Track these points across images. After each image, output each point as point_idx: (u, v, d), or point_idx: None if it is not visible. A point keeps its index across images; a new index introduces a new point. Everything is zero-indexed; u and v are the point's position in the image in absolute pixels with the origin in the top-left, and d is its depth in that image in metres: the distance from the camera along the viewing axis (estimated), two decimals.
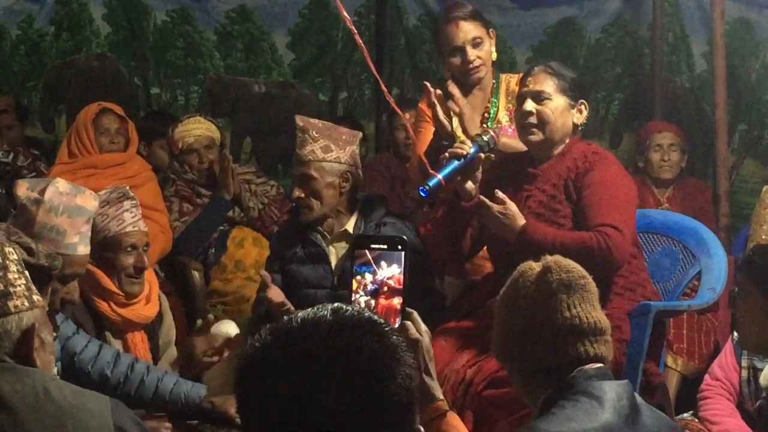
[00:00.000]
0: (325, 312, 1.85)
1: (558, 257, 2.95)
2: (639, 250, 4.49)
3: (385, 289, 2.57)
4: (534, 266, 2.91)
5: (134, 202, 4.32)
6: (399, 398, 1.79)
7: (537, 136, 4.33)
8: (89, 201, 3.65)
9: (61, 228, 3.52)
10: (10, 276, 2.46)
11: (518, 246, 4.17)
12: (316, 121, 4.84)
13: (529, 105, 4.32)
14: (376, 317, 1.88)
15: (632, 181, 4.44)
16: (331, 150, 4.69)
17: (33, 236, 3.31)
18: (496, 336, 2.95)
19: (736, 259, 5.87)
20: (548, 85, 4.32)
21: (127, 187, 4.36)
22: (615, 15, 7.80)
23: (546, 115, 4.31)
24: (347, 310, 1.86)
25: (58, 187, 3.57)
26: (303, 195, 4.69)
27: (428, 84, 4.65)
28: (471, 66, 4.83)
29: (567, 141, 4.37)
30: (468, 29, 4.83)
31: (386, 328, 1.85)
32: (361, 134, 4.96)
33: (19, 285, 2.48)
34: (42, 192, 3.53)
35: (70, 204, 3.55)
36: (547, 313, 2.82)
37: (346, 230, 4.75)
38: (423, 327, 2.63)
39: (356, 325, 1.83)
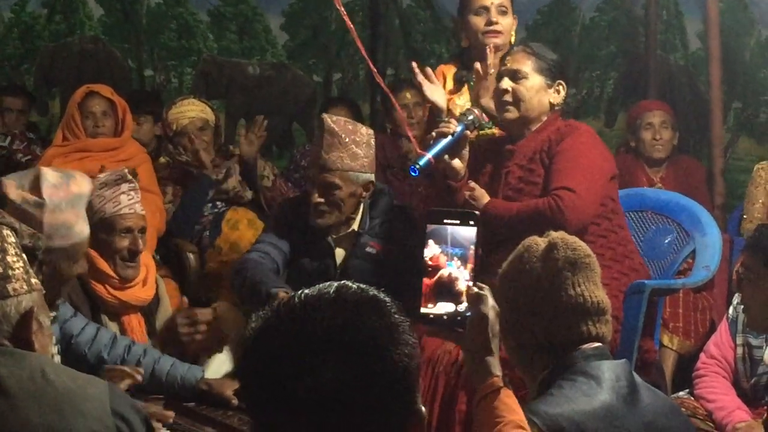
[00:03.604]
0: (330, 289, 1.85)
1: (563, 234, 2.96)
2: (624, 221, 4.50)
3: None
4: (539, 242, 2.92)
5: (132, 185, 4.30)
6: (396, 377, 1.80)
7: (512, 114, 4.37)
8: (82, 184, 3.56)
9: (69, 222, 3.39)
10: (9, 259, 2.45)
11: (484, 224, 4.22)
12: (342, 120, 4.68)
13: (506, 83, 4.36)
14: (381, 295, 1.88)
15: (605, 149, 4.45)
16: (357, 158, 4.58)
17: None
18: (502, 310, 2.95)
19: (731, 238, 5.89)
20: (526, 64, 4.36)
21: (126, 170, 4.35)
22: None
23: (521, 93, 4.34)
24: (351, 288, 1.86)
25: (50, 180, 3.39)
26: (322, 201, 4.58)
27: (415, 64, 4.64)
28: (492, 28, 4.77)
29: (544, 119, 4.38)
30: None
31: (388, 306, 1.85)
32: (372, 132, 4.79)
33: (18, 268, 2.47)
34: (38, 192, 3.38)
35: (69, 195, 3.42)
36: (552, 290, 2.83)
37: (352, 230, 4.70)
38: (491, 303, 2.61)
39: (357, 302, 1.83)
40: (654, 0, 7.40)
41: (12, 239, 2.51)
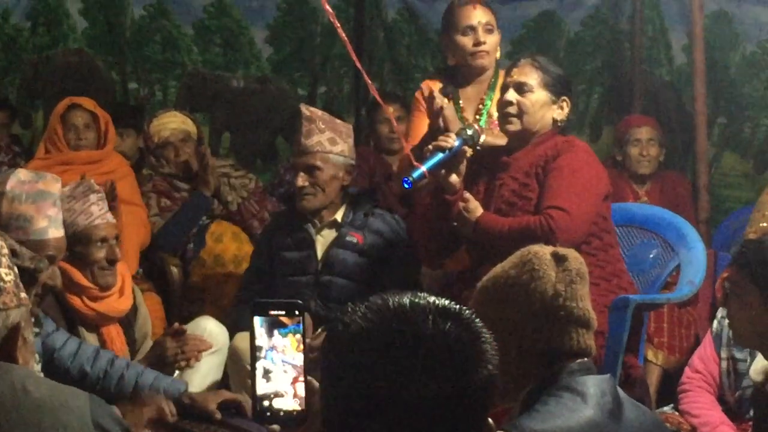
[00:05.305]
0: (414, 297, 1.85)
1: (559, 246, 2.97)
2: (615, 240, 4.51)
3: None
4: (546, 250, 2.91)
5: (100, 195, 4.29)
6: (481, 388, 1.80)
7: (515, 126, 4.37)
8: (52, 184, 3.63)
9: (28, 215, 3.50)
10: (1, 271, 2.44)
11: (475, 237, 4.31)
12: (320, 111, 4.90)
13: (511, 95, 4.36)
14: (456, 304, 1.87)
15: (601, 169, 4.47)
16: (336, 143, 4.76)
17: (1, 228, 3.29)
18: (499, 315, 2.91)
19: (716, 252, 5.88)
20: (532, 77, 4.36)
21: (92, 181, 4.33)
22: (594, 8, 7.79)
23: (525, 106, 4.34)
24: (428, 296, 1.86)
25: (20, 177, 3.56)
26: (307, 184, 4.73)
27: (424, 88, 4.70)
28: (480, 49, 4.80)
29: (544, 134, 4.38)
30: (483, 14, 4.84)
31: (472, 315, 1.85)
32: (351, 127, 5.01)
33: (9, 281, 2.44)
34: (3, 184, 3.52)
35: (33, 190, 3.54)
36: (564, 300, 2.83)
37: (335, 219, 4.83)
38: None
39: (449, 312, 1.83)
40: (639, 15, 7.42)
41: (5, 250, 2.49)
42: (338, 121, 4.93)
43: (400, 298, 1.85)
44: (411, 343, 1.77)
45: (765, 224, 5.72)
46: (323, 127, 4.75)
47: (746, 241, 4.28)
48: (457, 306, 1.86)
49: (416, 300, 1.84)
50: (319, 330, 4.62)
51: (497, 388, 1.84)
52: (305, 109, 4.82)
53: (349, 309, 1.86)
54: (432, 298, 1.85)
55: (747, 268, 3.69)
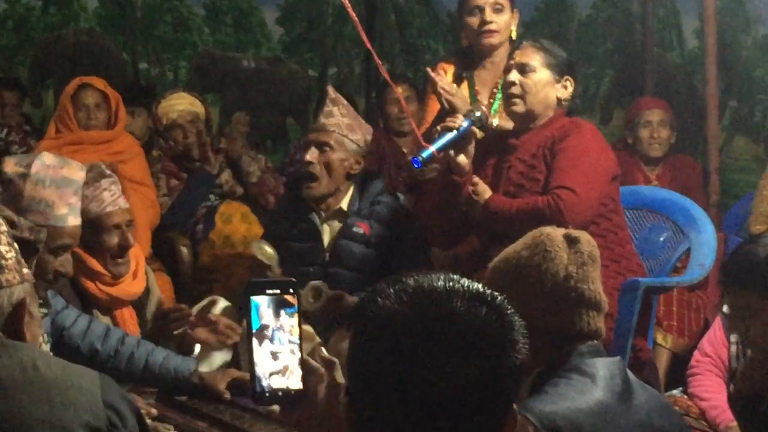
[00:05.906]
0: (447, 282, 1.83)
1: (571, 228, 2.99)
2: (624, 222, 4.51)
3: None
4: (558, 232, 2.92)
5: (112, 179, 4.21)
6: (509, 375, 1.80)
7: (519, 107, 4.38)
8: (76, 172, 3.61)
9: (50, 200, 3.48)
10: (1, 249, 2.43)
11: (484, 219, 4.32)
12: (345, 101, 4.87)
13: (514, 76, 4.37)
14: (491, 291, 1.86)
15: (608, 149, 4.47)
16: (354, 131, 4.72)
17: (21, 210, 3.29)
18: (510, 296, 2.90)
19: (726, 236, 5.87)
20: (534, 58, 4.37)
21: (104, 165, 4.28)
22: None
23: (528, 86, 4.36)
24: (461, 280, 1.85)
25: (45, 161, 3.54)
26: (316, 160, 4.67)
27: (430, 71, 4.71)
28: (486, 28, 4.80)
29: (550, 114, 4.39)
30: None
31: (504, 301, 1.85)
32: (371, 129, 4.97)
33: (10, 258, 2.44)
34: (28, 166, 3.50)
35: (57, 176, 3.52)
36: (575, 281, 2.84)
37: (340, 208, 4.76)
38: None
39: (483, 297, 1.82)
40: None
41: (3, 228, 2.49)
42: (361, 119, 4.90)
43: (434, 280, 1.83)
44: (444, 327, 1.77)
45: (766, 207, 5.67)
46: (345, 112, 4.74)
47: (735, 260, 3.81)
48: (490, 291, 1.85)
49: (450, 283, 1.83)
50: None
51: (520, 375, 1.84)
52: (332, 91, 4.81)
53: (381, 289, 1.85)
54: (465, 282, 1.84)
55: (754, 287, 3.41)
